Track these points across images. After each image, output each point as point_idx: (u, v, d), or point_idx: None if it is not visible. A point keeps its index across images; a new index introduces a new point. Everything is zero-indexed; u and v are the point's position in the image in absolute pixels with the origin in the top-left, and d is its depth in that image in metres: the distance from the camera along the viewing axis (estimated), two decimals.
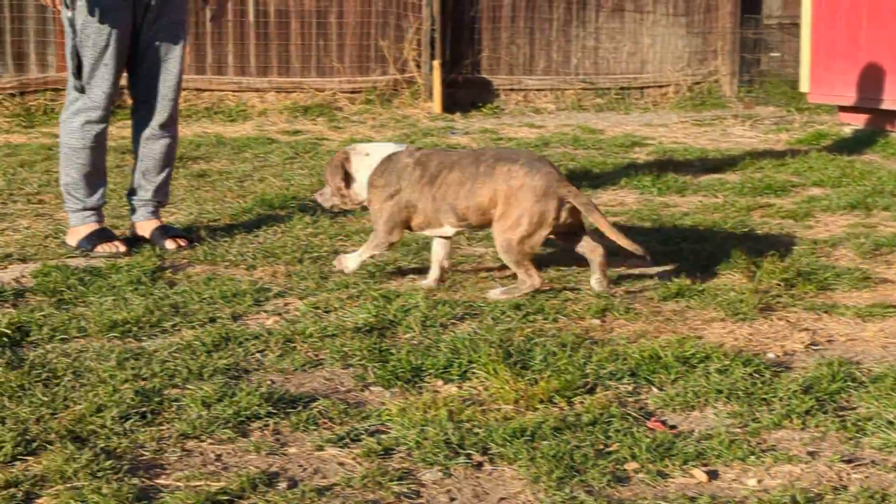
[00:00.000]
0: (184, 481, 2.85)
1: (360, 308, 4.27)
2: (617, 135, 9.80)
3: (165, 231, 5.36)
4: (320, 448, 3.09)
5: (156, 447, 3.06)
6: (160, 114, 5.32)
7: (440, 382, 3.59)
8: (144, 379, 3.51)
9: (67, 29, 5.11)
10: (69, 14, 5.07)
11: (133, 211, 5.48)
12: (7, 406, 3.28)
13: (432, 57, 11.71)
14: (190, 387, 3.45)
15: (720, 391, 3.43)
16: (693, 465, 2.97)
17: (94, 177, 5.30)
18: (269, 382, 3.55)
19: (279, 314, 4.31)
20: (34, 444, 3.03)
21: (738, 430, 3.19)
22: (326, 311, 4.32)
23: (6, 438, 3.03)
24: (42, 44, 11.13)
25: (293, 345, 3.90)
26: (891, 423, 3.18)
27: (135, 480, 2.85)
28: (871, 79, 9.29)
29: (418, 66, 11.79)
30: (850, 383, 3.50)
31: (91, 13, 5.04)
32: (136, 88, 5.33)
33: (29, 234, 5.58)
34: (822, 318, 4.27)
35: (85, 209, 5.29)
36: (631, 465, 2.97)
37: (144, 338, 3.98)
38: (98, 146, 5.25)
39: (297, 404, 3.36)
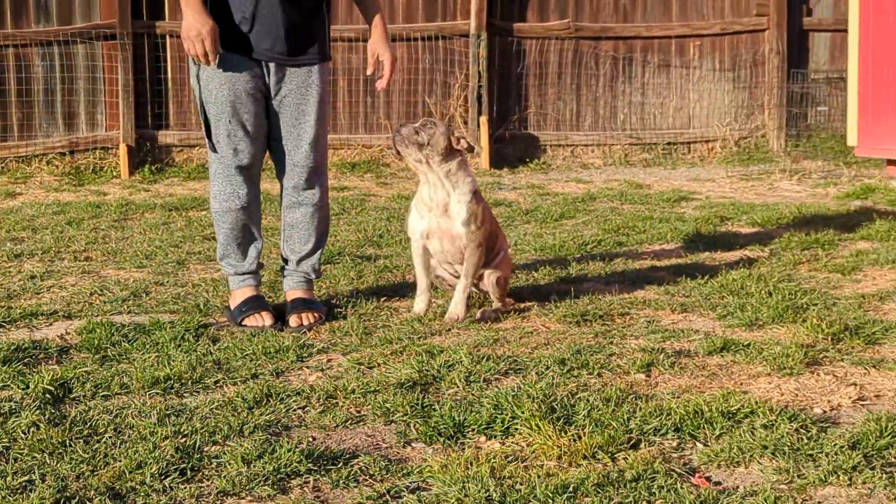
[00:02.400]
0: None
1: (403, 363, 4.26)
2: (664, 189, 9.78)
3: (296, 305, 5.08)
4: None
5: None
6: (293, 180, 5.06)
7: (483, 438, 3.56)
8: (185, 436, 3.51)
9: (195, 87, 4.96)
10: (194, 69, 4.93)
11: (284, 280, 5.26)
12: (47, 462, 3.28)
13: (479, 113, 11.76)
14: (230, 443, 3.44)
15: (765, 447, 3.38)
16: None
17: (244, 240, 5.09)
18: (309, 439, 3.54)
19: (322, 370, 4.30)
20: (73, 501, 3.03)
21: (784, 486, 3.14)
22: (369, 367, 4.31)
23: (46, 495, 3.03)
24: (92, 103, 11.30)
25: (335, 401, 3.89)
26: None
27: None
28: None
29: (465, 123, 11.84)
30: None
31: (213, 68, 4.87)
32: (272, 153, 5.11)
33: (75, 291, 5.62)
34: (870, 372, 4.21)
35: (237, 273, 5.11)
36: None
37: (186, 394, 3.98)
38: (245, 207, 5.01)
39: (337, 461, 3.34)
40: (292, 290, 5.18)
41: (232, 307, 5.06)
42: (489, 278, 5.17)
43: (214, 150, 4.97)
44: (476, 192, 5.03)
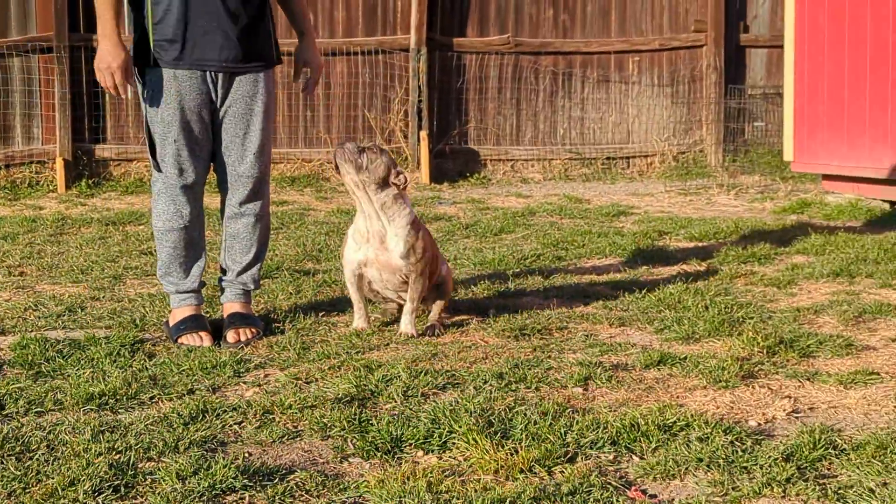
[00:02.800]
0: None
1: (341, 378, 4.25)
2: (603, 204, 9.83)
3: (233, 320, 5.03)
4: None
5: None
6: (237, 191, 5.01)
7: (420, 453, 3.55)
8: (119, 452, 3.47)
9: (141, 102, 4.92)
10: (140, 88, 4.88)
11: (221, 291, 5.21)
12: None
13: (419, 127, 11.78)
14: (165, 459, 3.41)
15: (701, 459, 3.41)
16: None
17: (187, 259, 5.01)
18: (245, 454, 3.52)
19: (259, 385, 4.28)
20: None
21: (718, 499, 3.16)
22: (307, 382, 4.29)
23: None
24: (28, 116, 11.19)
25: (272, 416, 3.87)
26: (872, 491, 3.15)
27: None
28: (854, 147, 9.35)
29: (405, 137, 11.85)
30: (831, 451, 3.47)
31: (157, 86, 4.82)
32: (215, 164, 5.04)
33: (9, 306, 5.55)
34: (804, 385, 4.25)
35: (178, 292, 5.04)
36: None
37: (121, 410, 3.94)
38: (188, 227, 4.95)
39: (273, 477, 3.32)
40: (230, 302, 5.14)
41: (171, 324, 5.01)
42: (442, 299, 5.25)
43: (159, 170, 4.92)
44: (414, 223, 4.98)
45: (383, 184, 4.92)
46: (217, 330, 5.02)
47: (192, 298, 5.05)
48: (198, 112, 4.87)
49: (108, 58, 4.76)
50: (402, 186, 4.94)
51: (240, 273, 5.14)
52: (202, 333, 4.92)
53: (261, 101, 4.97)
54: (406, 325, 5.04)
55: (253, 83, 4.95)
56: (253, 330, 4.99)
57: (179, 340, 4.89)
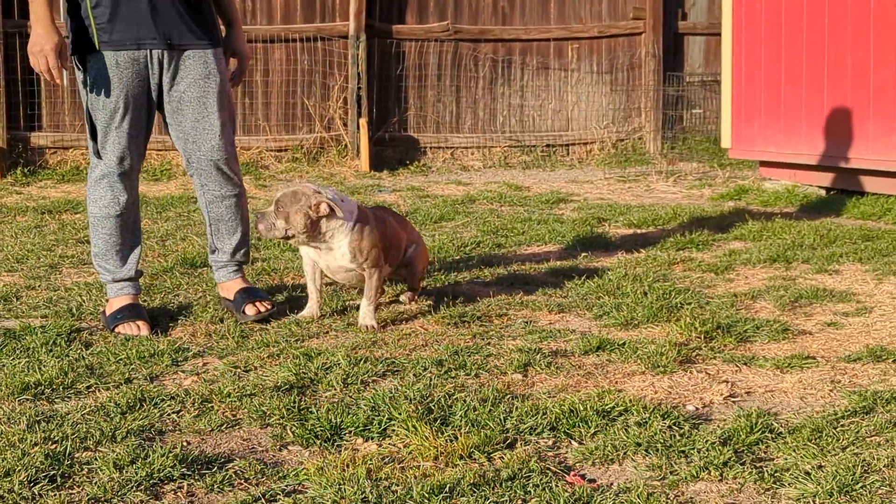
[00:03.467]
0: None
1: (280, 366, 4.23)
2: (543, 191, 9.86)
3: (248, 294, 5.09)
4: None
5: None
6: (209, 175, 5.00)
7: (360, 440, 3.55)
8: (55, 442, 3.43)
9: (81, 90, 4.85)
10: (81, 76, 4.82)
11: (216, 272, 5.22)
12: None
13: (359, 115, 11.74)
14: (102, 449, 3.38)
15: (639, 444, 3.43)
16: None
17: (124, 247, 4.98)
18: (184, 443, 3.49)
19: (197, 374, 4.25)
20: None
21: (657, 482, 3.18)
22: (246, 370, 4.27)
23: None
24: None
25: (210, 405, 3.85)
26: (808, 473, 3.18)
27: None
28: (791, 134, 9.44)
29: (345, 125, 11.82)
30: (768, 434, 3.51)
31: (100, 73, 4.76)
32: (183, 151, 5.00)
33: None
34: (741, 369, 4.29)
35: (115, 280, 4.99)
36: None
37: (57, 400, 3.90)
38: (124, 213, 4.91)
39: (212, 465, 3.30)
40: (232, 280, 5.17)
41: (107, 314, 4.96)
42: (412, 268, 5.32)
43: (99, 157, 4.88)
44: (356, 227, 4.91)
45: (314, 226, 4.87)
46: (154, 322, 4.98)
47: (129, 287, 5.01)
48: (138, 99, 4.82)
49: (42, 41, 4.69)
50: (327, 214, 4.86)
51: (233, 251, 5.19)
52: (139, 322, 4.87)
53: (214, 81, 4.91)
54: (365, 317, 4.97)
55: (203, 65, 4.90)
56: (269, 304, 5.06)
57: (116, 330, 4.84)
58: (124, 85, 4.79)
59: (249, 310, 5.01)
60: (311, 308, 5.11)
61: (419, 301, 5.36)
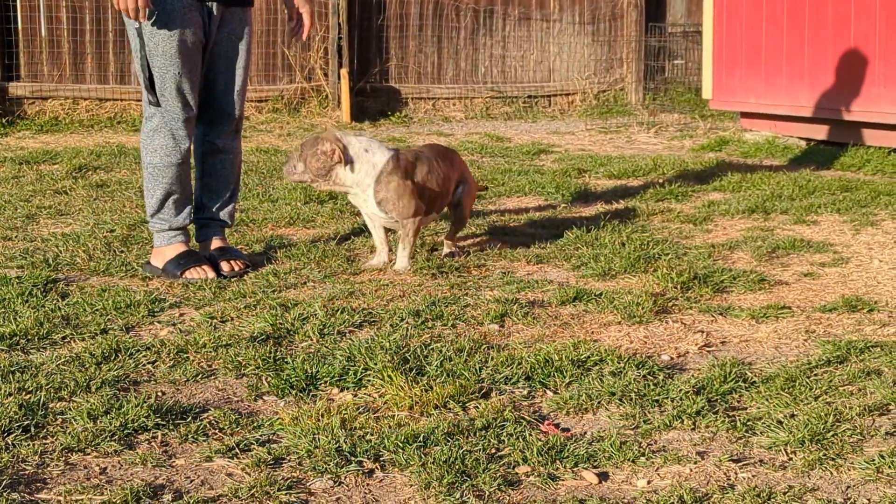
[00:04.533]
0: (66, 496, 2.79)
1: (256, 317, 4.23)
2: (524, 143, 9.84)
3: (223, 252, 5.09)
4: (209, 459, 3.03)
5: (38, 461, 2.99)
6: (218, 127, 5.05)
7: (335, 390, 3.55)
8: (29, 392, 3.43)
9: (135, 40, 4.82)
10: (136, 24, 4.79)
11: (197, 230, 5.19)
12: None
13: (339, 65, 11.69)
14: (76, 399, 3.38)
15: (613, 393, 3.44)
16: (584, 468, 2.96)
17: (181, 195, 4.99)
18: (158, 394, 3.49)
19: (173, 324, 4.24)
20: None
21: (630, 431, 3.20)
22: (222, 321, 4.27)
23: None
24: None
25: (186, 355, 3.84)
26: (780, 422, 3.20)
27: (15, 496, 2.78)
28: (771, 86, 9.42)
29: (325, 75, 11.76)
30: (741, 384, 3.52)
31: (165, 15, 4.75)
32: (201, 100, 5.01)
33: None
34: (717, 320, 4.30)
35: (171, 229, 4.99)
36: (522, 469, 2.95)
37: (32, 350, 3.90)
38: (183, 162, 4.94)
39: (186, 415, 3.30)
40: (212, 239, 5.16)
41: (159, 264, 4.96)
42: (461, 210, 5.35)
43: (158, 105, 4.87)
44: (381, 175, 4.95)
45: (328, 172, 4.95)
46: (133, 270, 4.97)
47: (181, 235, 5.04)
48: (195, 45, 4.86)
49: None
50: (337, 160, 4.92)
51: (219, 208, 5.17)
52: (204, 266, 4.94)
53: (246, 40, 5.03)
54: (401, 261, 5.07)
55: (239, 22, 5.00)
56: (242, 262, 5.07)
57: (186, 275, 4.88)
58: (186, 29, 4.80)
59: (224, 267, 5.01)
60: (380, 257, 5.16)
61: (461, 256, 5.30)
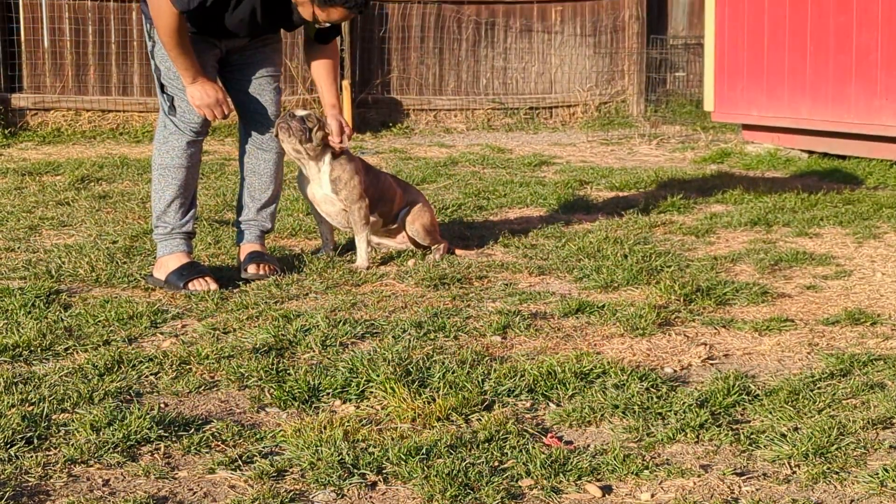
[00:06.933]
0: None
1: (259, 328, 4.23)
2: (525, 154, 9.84)
3: (255, 256, 5.13)
4: (211, 471, 3.03)
5: (41, 473, 2.98)
6: (259, 127, 5.16)
7: (337, 402, 3.55)
8: (32, 404, 3.43)
9: (153, 56, 4.94)
10: (150, 44, 4.92)
11: (237, 233, 5.26)
12: None
13: (342, 77, 11.69)
14: (79, 411, 3.37)
15: (616, 406, 3.44)
16: (587, 481, 2.96)
17: (186, 200, 5.03)
18: (161, 405, 3.49)
19: (176, 336, 4.24)
20: None
21: (633, 444, 3.20)
22: (225, 332, 4.26)
23: None
24: None
25: (188, 366, 3.84)
26: (783, 435, 3.20)
27: None
28: (773, 98, 9.43)
29: None
30: (744, 397, 3.52)
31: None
32: (241, 105, 5.15)
33: None
34: (720, 332, 4.30)
35: (174, 233, 4.98)
36: (525, 482, 2.95)
37: (35, 361, 3.89)
38: (192, 167, 5.00)
39: (189, 427, 3.30)
40: (249, 243, 5.21)
41: (162, 275, 4.95)
42: (409, 228, 5.51)
43: (174, 114, 4.94)
44: (343, 155, 5.28)
45: (322, 139, 5.18)
46: (134, 281, 4.97)
47: (183, 245, 5.02)
48: (214, 66, 4.99)
49: (207, 98, 4.83)
50: (328, 131, 5.20)
51: (260, 209, 5.21)
52: (207, 278, 4.93)
53: (276, 44, 5.18)
54: (359, 259, 5.33)
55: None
56: (272, 266, 5.11)
57: (188, 286, 4.86)
58: (202, 59, 4.88)
59: (251, 268, 5.07)
60: (325, 248, 5.52)
61: (444, 252, 5.57)
